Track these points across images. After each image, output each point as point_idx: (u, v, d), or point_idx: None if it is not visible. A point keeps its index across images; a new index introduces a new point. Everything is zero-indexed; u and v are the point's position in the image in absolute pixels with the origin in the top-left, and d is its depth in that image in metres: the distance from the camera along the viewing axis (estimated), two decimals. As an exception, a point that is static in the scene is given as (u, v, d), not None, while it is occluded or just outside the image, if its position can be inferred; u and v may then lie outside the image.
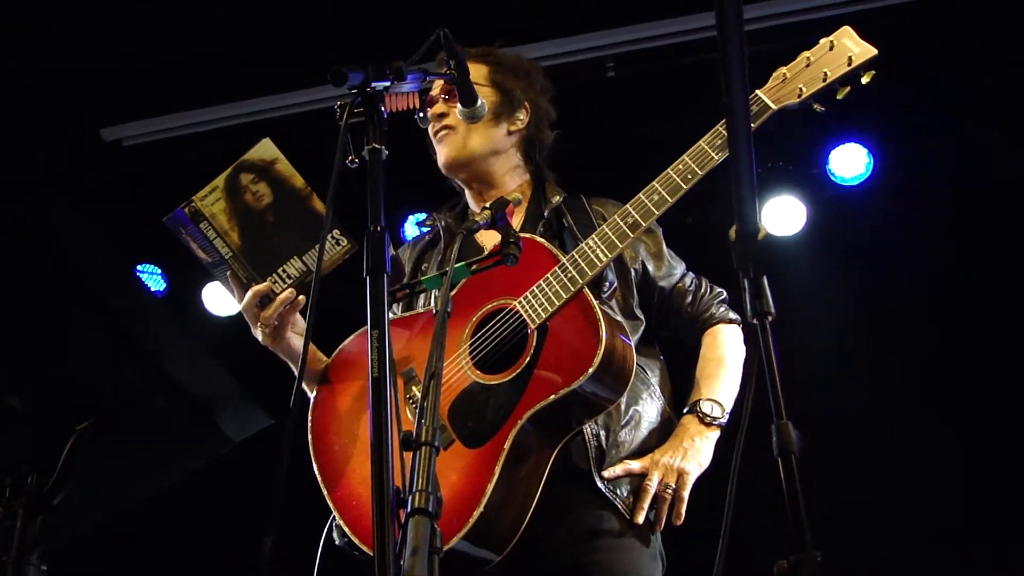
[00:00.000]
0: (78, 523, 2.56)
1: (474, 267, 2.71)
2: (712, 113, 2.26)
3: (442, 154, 3.46)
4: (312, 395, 3.25)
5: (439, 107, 3.45)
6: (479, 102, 2.90)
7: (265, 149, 3.11)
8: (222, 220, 3.07)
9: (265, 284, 3.07)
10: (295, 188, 3.11)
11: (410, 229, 6.17)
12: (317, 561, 3.11)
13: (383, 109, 2.46)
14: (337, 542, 3.06)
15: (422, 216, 6.00)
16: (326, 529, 3.11)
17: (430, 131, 3.49)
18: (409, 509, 1.99)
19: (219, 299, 6.42)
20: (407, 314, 3.33)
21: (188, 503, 5.60)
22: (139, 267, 6.41)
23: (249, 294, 3.09)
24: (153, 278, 6.47)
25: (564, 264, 3.03)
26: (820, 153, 5.83)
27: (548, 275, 3.02)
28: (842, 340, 5.87)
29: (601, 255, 3.03)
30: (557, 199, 3.44)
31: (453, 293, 3.10)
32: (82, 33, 5.50)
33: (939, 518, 5.56)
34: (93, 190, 6.28)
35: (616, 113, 6.01)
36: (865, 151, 5.76)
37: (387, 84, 2.47)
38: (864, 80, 3.08)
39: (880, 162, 5.75)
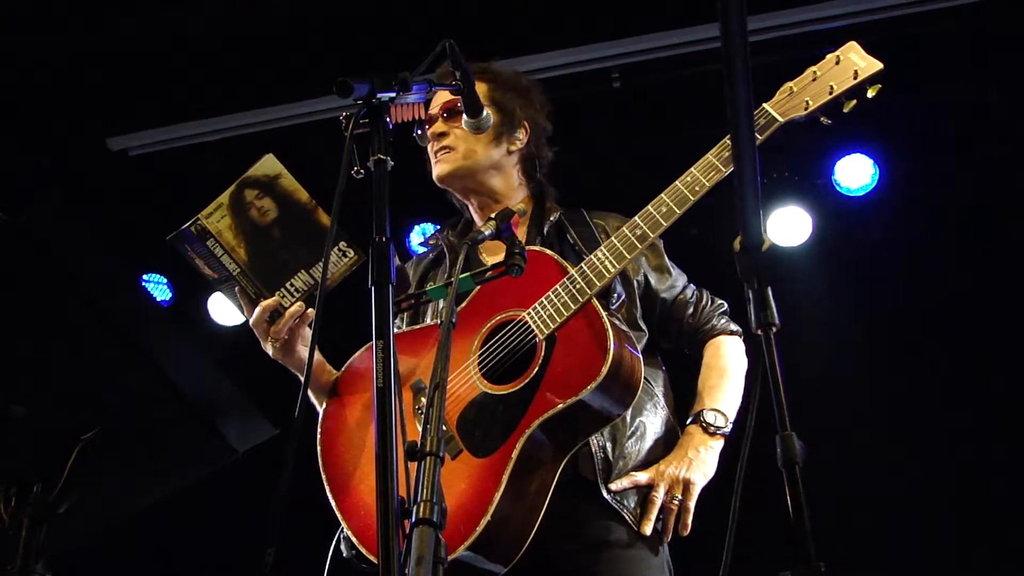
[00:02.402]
0: (83, 532, 2.57)
1: (479, 278, 2.71)
2: (718, 124, 2.26)
3: (437, 169, 3.46)
4: (322, 407, 3.26)
5: (438, 126, 3.45)
6: (484, 113, 2.90)
7: (268, 165, 3.12)
8: (228, 237, 3.08)
9: (274, 299, 3.08)
10: (300, 202, 3.12)
11: (416, 240, 6.18)
12: (325, 573, 3.11)
13: (388, 120, 2.47)
14: (345, 554, 3.06)
15: (428, 227, 6.08)
16: (334, 541, 3.11)
17: (429, 149, 3.50)
18: (414, 519, 1.99)
19: (225, 309, 6.43)
20: (415, 327, 3.34)
21: (192, 513, 5.60)
22: (145, 277, 6.42)
23: (258, 310, 3.09)
24: (159, 288, 6.48)
25: (573, 275, 3.03)
26: (825, 164, 5.84)
27: (557, 286, 3.03)
28: (847, 351, 5.86)
29: (610, 266, 3.04)
30: (556, 215, 3.46)
31: (463, 305, 3.12)
32: (88, 42, 5.51)
33: (944, 529, 5.55)
34: (99, 199, 6.29)
35: (621, 124, 6.02)
36: (871, 162, 5.76)
37: (392, 95, 2.48)
38: (870, 94, 3.09)
39: (886, 173, 5.76)
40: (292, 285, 3.09)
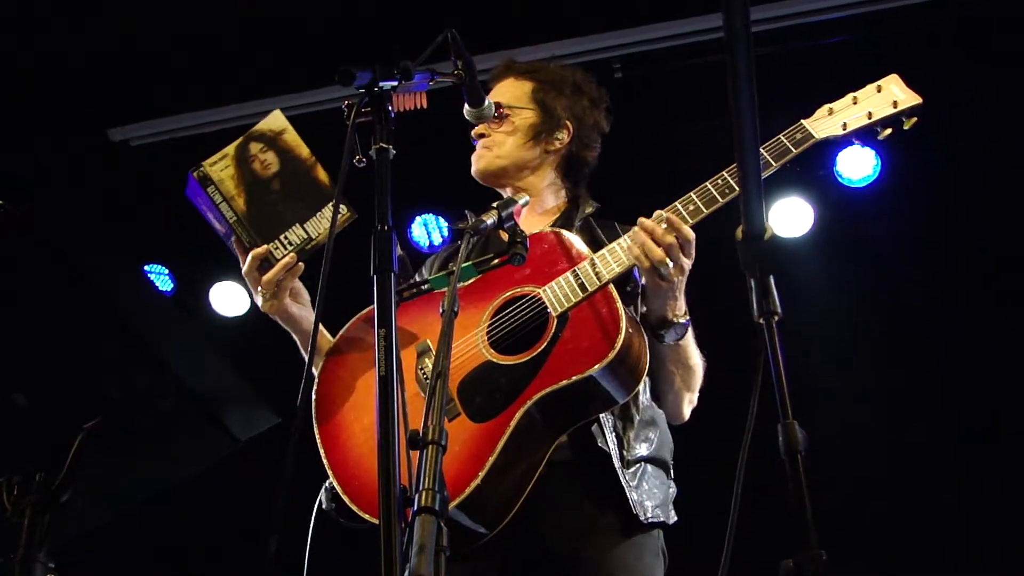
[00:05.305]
0: (85, 521, 2.57)
1: (481, 267, 2.74)
2: (721, 115, 2.26)
3: (473, 166, 3.52)
4: (318, 369, 3.27)
5: (480, 127, 3.48)
6: (486, 103, 2.94)
7: (275, 120, 3.21)
8: (229, 186, 3.14)
9: (263, 248, 3.12)
10: (300, 157, 3.18)
11: (417, 230, 6.18)
12: (310, 531, 3.10)
13: (391, 109, 2.48)
14: (324, 506, 3.07)
15: (429, 217, 6.09)
16: (318, 501, 3.11)
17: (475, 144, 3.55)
18: (416, 507, 2.00)
19: (226, 299, 6.46)
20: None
21: (194, 501, 5.62)
22: (147, 267, 6.43)
23: (249, 258, 3.13)
24: (161, 278, 6.50)
25: (593, 259, 3.08)
26: (828, 155, 5.82)
27: (576, 268, 3.07)
28: (848, 340, 5.87)
29: (632, 256, 3.06)
30: (590, 210, 3.47)
31: (476, 278, 3.13)
32: (88, 32, 5.51)
33: (944, 517, 5.56)
34: (100, 190, 6.30)
35: (623, 115, 6.01)
36: (872, 153, 5.75)
37: (395, 84, 2.50)
38: (906, 126, 3.21)
39: (887, 164, 5.75)
40: (286, 238, 3.14)
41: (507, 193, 3.53)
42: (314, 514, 3.11)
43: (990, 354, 5.72)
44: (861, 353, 5.87)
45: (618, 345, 2.90)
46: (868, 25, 5.40)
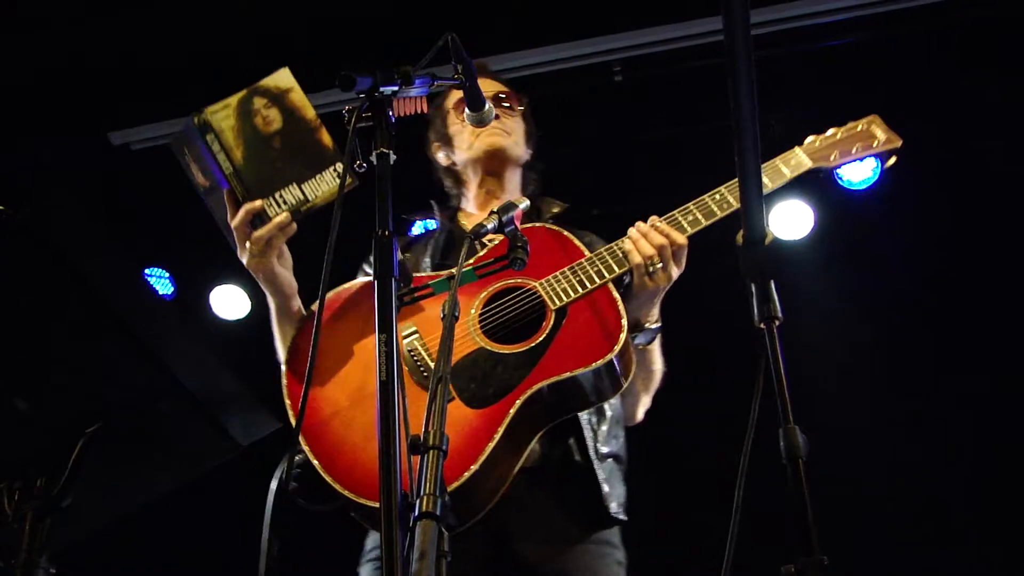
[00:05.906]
0: (86, 526, 2.57)
1: (482, 272, 2.75)
2: (720, 118, 2.26)
3: (490, 141, 3.59)
4: (287, 342, 3.21)
5: (499, 110, 3.55)
6: (487, 106, 2.95)
7: (282, 77, 3.16)
8: (228, 136, 3.07)
9: (259, 202, 3.06)
10: (305, 118, 3.14)
11: (417, 232, 6.16)
12: (267, 511, 3.01)
13: (391, 114, 2.48)
14: (285, 485, 3.01)
15: (431, 223, 6.07)
16: (276, 479, 3.04)
17: (471, 129, 3.57)
18: (416, 513, 1.99)
19: (227, 303, 6.45)
20: (421, 274, 3.39)
21: (195, 506, 5.61)
22: (147, 271, 6.42)
23: (242, 211, 3.05)
24: (161, 282, 6.49)
25: (592, 258, 3.15)
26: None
27: (574, 264, 3.13)
28: (848, 344, 5.86)
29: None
30: (556, 210, 3.57)
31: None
32: (90, 35, 5.51)
33: (946, 522, 5.56)
34: (101, 193, 6.29)
35: (623, 118, 6.02)
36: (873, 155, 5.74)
37: (395, 89, 2.50)
38: (887, 164, 3.53)
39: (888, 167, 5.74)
40: (281, 196, 3.08)
41: (485, 184, 3.65)
42: (271, 494, 3.01)
43: (990, 355, 5.72)
44: (861, 356, 5.87)
45: (620, 343, 2.97)
46: (869, 28, 5.40)
